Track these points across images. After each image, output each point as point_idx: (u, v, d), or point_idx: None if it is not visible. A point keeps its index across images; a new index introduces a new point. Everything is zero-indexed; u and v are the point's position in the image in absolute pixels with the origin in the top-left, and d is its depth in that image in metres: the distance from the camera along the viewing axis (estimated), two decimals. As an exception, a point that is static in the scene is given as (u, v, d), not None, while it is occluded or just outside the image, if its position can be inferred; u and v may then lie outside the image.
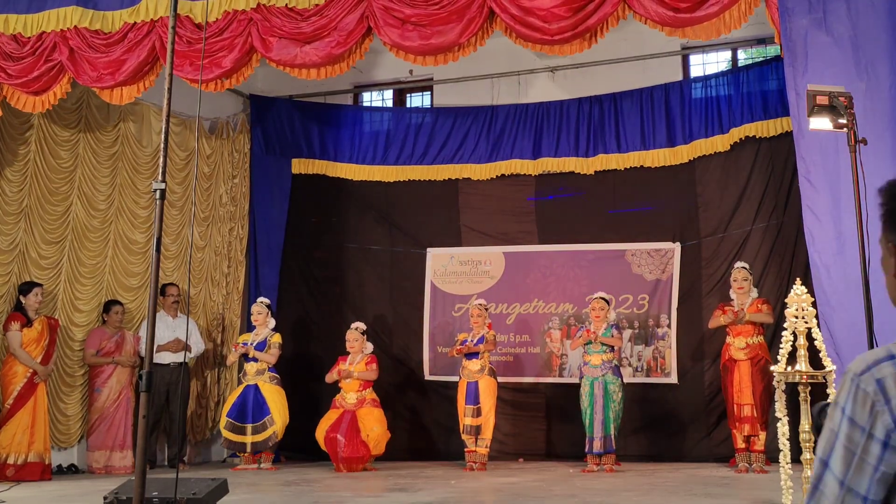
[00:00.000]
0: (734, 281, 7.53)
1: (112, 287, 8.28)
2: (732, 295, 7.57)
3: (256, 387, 8.04)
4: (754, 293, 7.54)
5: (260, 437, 7.92)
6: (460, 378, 7.96)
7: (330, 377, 8.06)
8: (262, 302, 8.42)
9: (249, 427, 7.91)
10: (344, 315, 9.36)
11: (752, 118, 8.30)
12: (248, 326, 9.35)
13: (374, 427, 7.83)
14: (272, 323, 8.36)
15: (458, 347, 7.93)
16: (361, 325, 8.25)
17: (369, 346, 8.20)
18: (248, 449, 7.95)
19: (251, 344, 8.16)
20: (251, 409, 7.96)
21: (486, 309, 8.13)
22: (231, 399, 8.20)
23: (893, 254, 1.43)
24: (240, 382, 8.26)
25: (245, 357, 8.16)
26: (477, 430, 7.73)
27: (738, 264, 7.64)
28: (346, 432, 7.70)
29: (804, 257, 6.04)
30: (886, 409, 1.25)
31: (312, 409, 8.55)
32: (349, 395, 7.94)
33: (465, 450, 7.80)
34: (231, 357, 8.37)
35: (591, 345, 7.52)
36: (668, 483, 6.55)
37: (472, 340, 7.91)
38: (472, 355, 7.88)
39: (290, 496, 6.11)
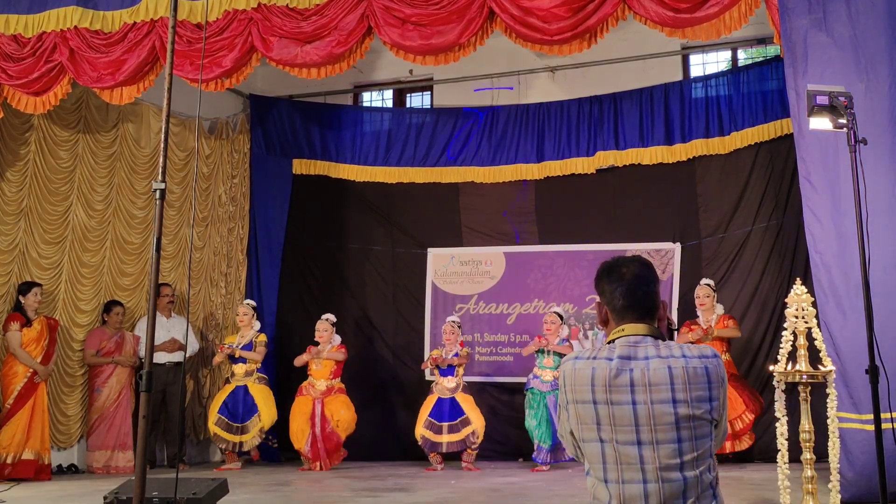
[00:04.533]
0: (696, 297, 7.64)
1: (109, 287, 8.28)
2: (698, 311, 7.64)
3: (245, 387, 8.12)
4: (720, 309, 7.65)
5: (249, 436, 8.02)
6: (432, 392, 8.05)
7: (300, 360, 8.18)
8: (248, 304, 8.53)
9: (242, 427, 8.01)
10: (345, 315, 9.35)
11: (752, 118, 8.31)
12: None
13: (342, 410, 7.96)
14: (257, 325, 8.44)
15: (433, 358, 8.06)
16: (332, 317, 8.35)
17: (337, 338, 8.32)
18: (246, 447, 8.06)
19: (237, 345, 8.21)
20: (241, 409, 8.04)
21: (460, 327, 8.26)
22: (221, 397, 8.22)
23: (598, 309, 2.35)
24: (227, 383, 8.31)
25: (232, 358, 8.20)
26: (456, 445, 7.81)
27: (703, 281, 7.81)
28: (321, 428, 7.87)
29: (804, 257, 6.04)
30: (563, 389, 2.24)
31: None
32: (318, 383, 8.06)
33: (430, 455, 7.91)
34: (217, 357, 8.41)
35: (543, 357, 7.82)
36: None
37: (444, 356, 8.02)
38: (446, 372, 8.00)
39: (289, 496, 6.11)
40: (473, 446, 7.84)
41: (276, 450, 8.68)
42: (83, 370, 8.00)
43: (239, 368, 8.17)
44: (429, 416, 7.89)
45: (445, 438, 7.79)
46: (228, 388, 8.19)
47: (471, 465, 7.86)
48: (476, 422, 7.83)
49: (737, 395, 7.26)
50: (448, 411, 7.85)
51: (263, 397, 8.14)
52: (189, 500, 4.24)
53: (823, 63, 5.17)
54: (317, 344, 8.19)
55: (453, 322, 8.22)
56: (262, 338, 8.31)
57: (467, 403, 7.92)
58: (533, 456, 7.76)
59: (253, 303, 8.59)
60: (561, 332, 7.92)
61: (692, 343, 7.30)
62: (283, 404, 8.32)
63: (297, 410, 8.02)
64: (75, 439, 7.92)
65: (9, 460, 6.99)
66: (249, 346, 8.23)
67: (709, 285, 7.71)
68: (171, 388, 8.27)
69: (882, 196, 4.86)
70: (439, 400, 7.94)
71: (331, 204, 9.62)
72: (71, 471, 7.81)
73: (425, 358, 9.12)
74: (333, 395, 8.04)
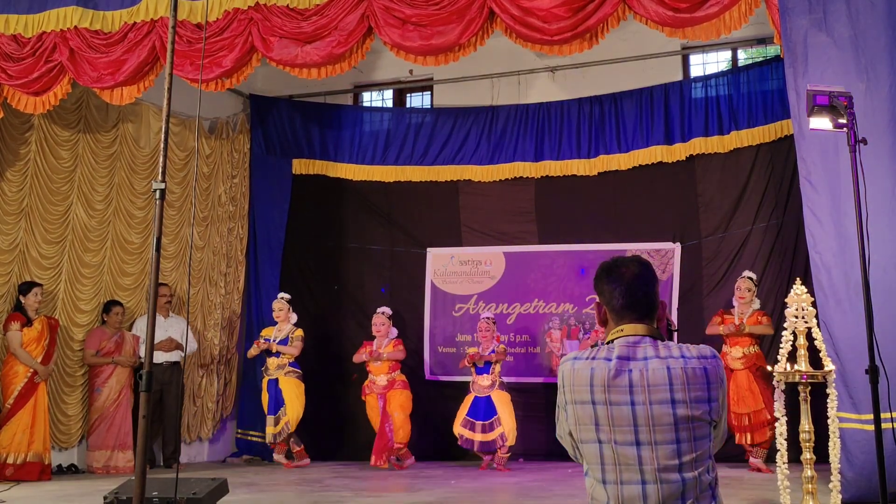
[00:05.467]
0: (737, 289, 7.56)
1: (110, 287, 8.28)
2: (734, 302, 7.59)
3: (276, 381, 8.19)
4: (756, 304, 7.56)
5: (276, 429, 8.11)
6: (469, 391, 8.04)
7: (358, 357, 8.21)
8: (282, 298, 8.51)
9: (272, 419, 8.13)
10: (344, 315, 9.36)
11: (752, 118, 8.31)
12: (248, 327, 9.35)
13: (396, 413, 7.92)
14: (294, 318, 8.46)
15: (471, 355, 8.00)
16: (388, 310, 8.35)
17: (394, 331, 8.31)
18: (268, 440, 8.22)
19: (274, 340, 8.25)
20: (272, 403, 8.15)
21: (495, 323, 8.21)
22: (264, 398, 8.34)
23: (597, 309, 2.33)
24: (261, 377, 8.38)
25: (267, 352, 8.24)
26: (488, 445, 7.81)
27: (746, 273, 7.67)
28: (381, 422, 7.92)
29: (804, 257, 6.04)
30: (562, 390, 2.23)
31: (312, 409, 8.54)
32: (379, 378, 8.08)
33: (478, 452, 7.93)
34: (252, 351, 8.44)
35: None
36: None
37: (480, 353, 7.99)
38: (482, 370, 7.96)
39: (289, 496, 6.11)
40: (503, 449, 7.79)
41: (273, 450, 8.66)
42: (83, 370, 7.99)
43: (272, 362, 8.25)
44: (467, 414, 7.88)
45: (479, 437, 7.80)
46: (263, 385, 8.30)
47: (502, 466, 7.79)
48: (507, 424, 7.77)
49: (759, 392, 7.23)
50: (483, 410, 7.83)
51: (292, 391, 8.16)
52: (189, 500, 4.24)
53: (823, 63, 5.17)
54: (373, 338, 8.20)
55: (488, 318, 8.18)
56: (299, 332, 8.35)
57: (501, 402, 7.86)
58: None
59: (287, 296, 8.56)
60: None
61: (723, 336, 7.37)
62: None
63: (371, 411, 8.10)
64: (76, 439, 7.91)
65: (10, 460, 6.99)
66: (286, 341, 8.27)
67: (751, 279, 7.58)
68: (167, 388, 8.27)
69: (882, 196, 4.86)
70: (476, 398, 7.92)
71: (331, 204, 9.62)
72: (71, 471, 7.81)
73: (425, 357, 9.13)
74: (395, 390, 8.03)
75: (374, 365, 8.11)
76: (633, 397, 2.10)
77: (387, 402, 7.97)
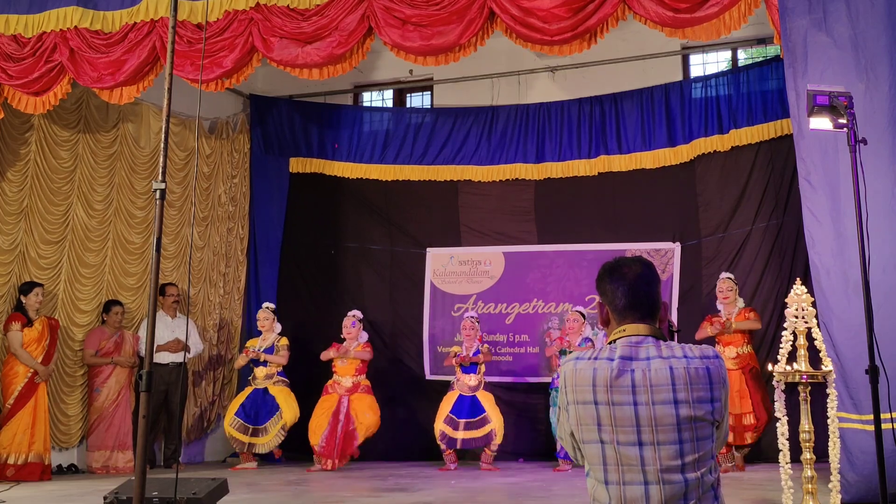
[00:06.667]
0: (719, 291, 7.60)
1: (112, 287, 8.28)
2: (719, 306, 7.62)
3: (265, 390, 8.13)
4: (741, 302, 7.61)
5: (267, 439, 8.03)
6: (452, 389, 8.04)
7: (326, 355, 8.19)
8: (267, 307, 8.50)
9: (261, 429, 8.03)
10: (343, 315, 9.34)
11: (752, 118, 8.31)
12: (248, 326, 9.35)
13: (367, 413, 7.97)
14: (279, 327, 8.45)
15: (459, 356, 8.01)
16: (359, 314, 8.36)
17: (364, 335, 8.33)
18: (261, 450, 8.08)
19: (259, 349, 8.24)
20: (261, 411, 8.06)
21: (478, 322, 8.22)
22: (239, 400, 8.24)
23: (599, 309, 2.34)
24: (248, 384, 8.32)
25: (254, 361, 8.21)
26: (475, 442, 7.84)
27: (724, 275, 7.73)
28: (343, 426, 7.88)
29: (804, 257, 6.04)
30: (564, 390, 2.23)
31: (311, 409, 8.54)
32: (344, 380, 8.08)
33: (445, 453, 7.92)
34: (240, 360, 8.40)
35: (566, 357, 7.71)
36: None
37: (466, 353, 8.00)
38: (468, 369, 7.98)
39: (290, 496, 6.11)
40: (493, 446, 7.81)
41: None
42: (83, 370, 7.99)
43: (260, 371, 8.22)
44: (450, 412, 7.88)
45: (461, 435, 7.80)
46: (248, 391, 8.23)
47: (489, 466, 7.83)
48: (496, 421, 7.79)
49: (748, 395, 7.24)
50: (468, 408, 7.84)
51: (284, 397, 8.16)
52: (189, 500, 4.24)
53: (823, 63, 5.17)
54: (342, 341, 8.20)
55: (472, 318, 8.20)
56: (284, 341, 8.34)
57: (488, 402, 7.89)
58: (557, 453, 7.69)
59: (272, 305, 8.58)
60: (583, 330, 7.86)
61: (713, 336, 7.38)
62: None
63: (321, 407, 8.05)
64: (76, 439, 7.91)
65: (10, 461, 6.99)
66: (271, 350, 8.28)
67: (730, 278, 7.65)
68: (173, 388, 8.26)
69: (882, 196, 4.86)
70: (460, 397, 7.92)
71: (330, 204, 9.62)
72: (71, 471, 7.81)
73: (424, 357, 9.14)
74: (360, 394, 8.05)
75: (339, 365, 8.13)
76: (636, 397, 2.09)
77: (350, 404, 7.97)
